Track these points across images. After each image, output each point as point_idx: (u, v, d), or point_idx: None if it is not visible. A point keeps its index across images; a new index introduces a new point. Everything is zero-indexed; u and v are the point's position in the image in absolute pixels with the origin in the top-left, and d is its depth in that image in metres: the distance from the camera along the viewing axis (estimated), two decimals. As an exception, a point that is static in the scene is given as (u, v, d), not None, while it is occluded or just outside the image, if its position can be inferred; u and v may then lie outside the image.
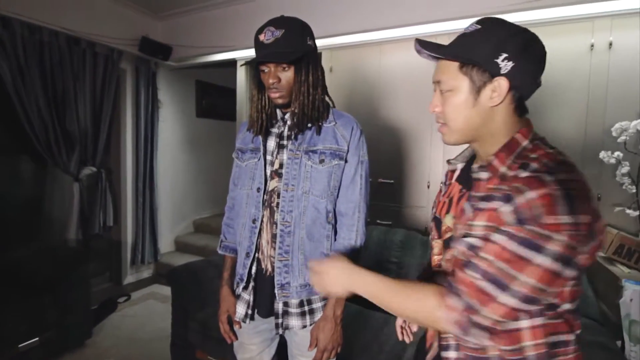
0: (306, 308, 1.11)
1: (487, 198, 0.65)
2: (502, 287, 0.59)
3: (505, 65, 0.66)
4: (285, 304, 1.10)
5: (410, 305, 0.68)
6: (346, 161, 1.10)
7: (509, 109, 0.71)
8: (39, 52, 2.56)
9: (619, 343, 1.57)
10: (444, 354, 0.74)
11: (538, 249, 0.57)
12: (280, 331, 1.11)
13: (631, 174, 1.85)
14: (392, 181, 2.58)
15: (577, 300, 0.67)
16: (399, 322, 1.02)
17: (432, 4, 2.26)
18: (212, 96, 4.31)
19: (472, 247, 0.64)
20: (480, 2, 2.10)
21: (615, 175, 1.89)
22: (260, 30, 1.01)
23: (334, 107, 1.16)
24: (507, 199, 0.61)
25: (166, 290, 3.25)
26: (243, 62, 3.05)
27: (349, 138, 1.10)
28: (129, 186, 3.42)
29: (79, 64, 2.81)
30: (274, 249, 1.09)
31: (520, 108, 0.72)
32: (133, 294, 3.19)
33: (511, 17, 2.07)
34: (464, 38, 0.71)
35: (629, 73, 1.93)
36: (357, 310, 1.90)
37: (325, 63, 2.73)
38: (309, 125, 1.08)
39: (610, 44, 1.97)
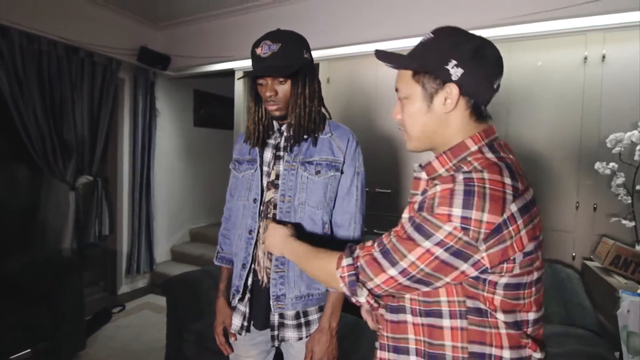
0: (302, 320, 1.10)
1: (424, 191, 0.70)
2: (392, 261, 0.64)
3: (455, 72, 0.67)
4: (281, 316, 1.09)
5: (317, 264, 0.79)
6: (342, 172, 1.10)
7: (464, 115, 0.71)
8: (37, 61, 2.57)
9: (616, 354, 1.56)
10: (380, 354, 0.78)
11: (426, 234, 0.61)
12: (276, 343, 1.10)
13: (626, 185, 1.86)
14: (389, 191, 2.58)
15: (517, 314, 0.65)
16: (363, 311, 0.94)
17: (427, 18, 2.29)
18: (209, 105, 4.32)
19: (388, 232, 0.70)
20: (474, 16, 2.13)
21: (610, 186, 1.91)
22: (257, 44, 1.02)
23: (330, 118, 1.17)
24: (424, 192, 0.66)
25: (161, 301, 3.21)
26: (241, 74, 3.08)
27: (345, 149, 1.10)
28: (125, 195, 3.40)
29: (77, 73, 2.82)
30: (270, 260, 1.09)
31: (476, 113, 0.71)
32: (128, 304, 3.16)
33: (505, 31, 2.12)
34: (419, 47, 0.73)
35: (623, 85, 1.96)
36: (354, 321, 1.88)
37: (322, 74, 2.76)
38: (305, 137, 1.09)
39: (604, 57, 2.00)
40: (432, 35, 0.72)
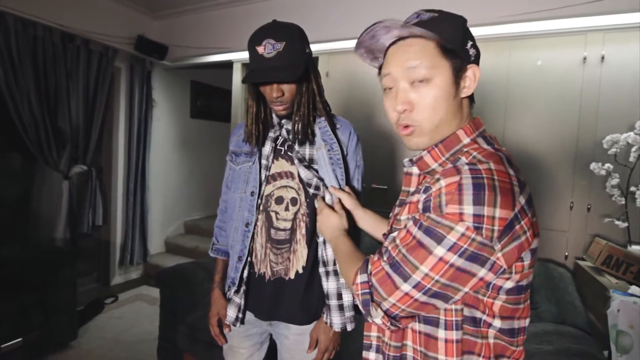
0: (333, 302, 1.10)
1: (414, 193, 0.66)
2: (404, 276, 0.57)
3: (473, 53, 0.63)
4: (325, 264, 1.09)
5: (345, 270, 0.74)
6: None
7: (466, 102, 0.66)
8: (32, 48, 2.53)
9: (606, 353, 1.58)
10: (365, 354, 0.76)
11: (438, 238, 0.53)
12: (282, 339, 1.12)
13: (620, 186, 1.88)
14: (385, 187, 2.58)
15: (514, 320, 0.61)
16: None
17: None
18: (207, 97, 4.29)
19: (392, 239, 0.62)
20: (475, 12, 2.12)
21: (605, 186, 1.92)
22: (257, 41, 0.96)
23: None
24: (426, 190, 0.59)
25: (154, 292, 3.20)
26: (242, 72, 3.04)
27: (346, 143, 1.10)
28: (119, 185, 3.38)
29: (73, 60, 2.78)
30: (274, 253, 1.09)
31: (472, 101, 0.68)
32: (120, 295, 3.15)
33: (506, 29, 2.12)
34: (435, 21, 0.62)
35: (620, 86, 1.97)
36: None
37: (321, 68, 2.74)
38: (310, 131, 1.08)
39: (603, 58, 2.00)
40: (435, 14, 0.63)
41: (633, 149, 1.83)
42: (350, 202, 1.01)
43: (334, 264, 1.05)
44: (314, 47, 1.12)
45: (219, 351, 1.27)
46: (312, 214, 1.07)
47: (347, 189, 1.05)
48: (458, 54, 0.61)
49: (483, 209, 0.51)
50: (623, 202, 1.88)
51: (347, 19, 2.58)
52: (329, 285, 1.06)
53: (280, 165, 1.10)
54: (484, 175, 0.53)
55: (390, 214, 0.78)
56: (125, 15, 3.15)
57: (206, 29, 3.20)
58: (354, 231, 0.98)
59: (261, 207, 1.10)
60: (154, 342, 2.12)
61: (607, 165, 1.88)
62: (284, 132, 1.09)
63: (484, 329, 0.60)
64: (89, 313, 2.71)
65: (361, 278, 0.63)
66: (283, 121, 1.10)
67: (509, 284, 0.58)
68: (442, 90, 0.61)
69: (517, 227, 0.53)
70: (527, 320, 0.64)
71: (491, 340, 0.60)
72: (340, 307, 1.06)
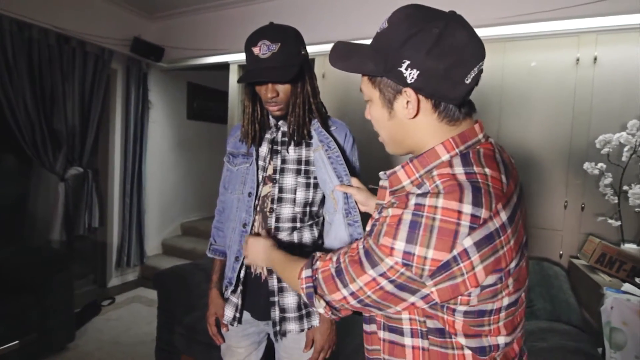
0: (304, 311, 1.11)
1: (380, 209, 0.66)
2: (344, 283, 0.62)
3: (411, 74, 0.56)
4: (282, 310, 1.09)
5: (287, 273, 0.79)
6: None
7: (432, 118, 0.61)
8: (27, 50, 2.52)
9: (600, 350, 1.60)
10: None
11: (372, 263, 0.57)
12: (279, 338, 1.12)
13: (613, 185, 1.90)
14: (381, 187, 2.59)
15: (482, 338, 0.59)
16: None
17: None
18: (203, 99, 4.29)
19: (347, 248, 0.67)
20: (470, 14, 2.13)
21: (598, 186, 1.95)
22: (253, 42, 0.97)
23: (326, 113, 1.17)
24: (380, 211, 0.61)
25: (151, 294, 3.20)
26: (238, 73, 3.05)
27: (342, 144, 1.11)
28: (116, 187, 3.37)
29: (69, 62, 2.77)
30: None
31: (447, 115, 0.61)
32: (117, 297, 3.14)
33: (500, 30, 2.14)
34: (374, 42, 0.63)
35: (613, 87, 1.99)
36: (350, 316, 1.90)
37: (318, 70, 2.76)
38: (305, 132, 1.09)
39: (595, 59, 2.03)
40: (386, 24, 0.60)
41: (625, 149, 1.86)
42: (361, 196, 0.99)
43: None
44: (311, 49, 1.13)
45: (216, 352, 1.28)
46: None
47: (354, 182, 1.03)
48: (385, 82, 0.61)
49: (415, 247, 0.52)
50: (616, 201, 1.90)
51: (343, 21, 2.59)
52: None
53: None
54: (425, 214, 0.52)
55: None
56: (121, 17, 3.15)
57: (203, 30, 3.20)
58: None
59: (258, 208, 1.11)
60: (151, 343, 2.11)
61: (600, 164, 1.91)
62: (279, 134, 1.10)
63: (456, 340, 0.59)
64: (86, 315, 2.70)
65: (305, 273, 0.70)
66: (280, 122, 1.11)
67: (462, 308, 0.56)
68: (377, 112, 0.66)
69: (455, 268, 0.52)
70: (503, 338, 0.60)
71: (468, 352, 0.59)
72: None
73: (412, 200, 0.54)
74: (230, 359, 1.22)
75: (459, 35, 0.56)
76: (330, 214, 1.07)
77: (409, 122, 0.62)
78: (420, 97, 0.59)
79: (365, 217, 1.06)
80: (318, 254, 0.73)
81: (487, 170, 0.56)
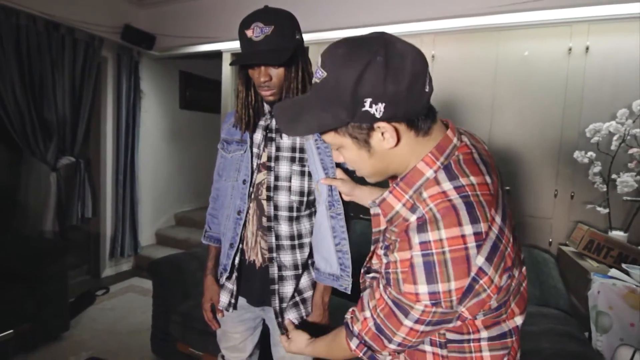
0: (297, 298, 1.12)
1: (376, 240, 0.67)
2: (388, 338, 0.63)
3: (377, 108, 0.55)
4: (281, 300, 1.10)
5: (337, 352, 0.79)
6: None
7: (410, 136, 0.61)
8: (15, 37, 2.47)
9: (586, 333, 1.65)
10: None
11: (404, 312, 0.58)
12: (283, 330, 1.13)
13: (602, 174, 1.94)
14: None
15: (502, 324, 0.63)
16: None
17: (423, 1, 2.28)
18: (196, 88, 4.24)
19: (370, 287, 0.68)
20: (463, 3, 2.14)
21: (587, 174, 1.98)
22: (246, 25, 0.96)
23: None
24: (387, 248, 0.62)
25: (146, 284, 3.20)
26: (229, 56, 3.02)
27: None
28: (108, 177, 3.35)
29: (58, 50, 2.72)
30: (265, 241, 1.10)
31: (421, 128, 0.61)
32: (112, 287, 3.14)
33: (491, 20, 2.14)
34: (317, 93, 0.60)
35: (604, 77, 2.01)
36: (341, 304, 1.93)
37: (313, 58, 2.73)
38: None
39: (587, 49, 2.05)
40: (324, 72, 0.58)
41: (614, 138, 1.88)
42: (346, 187, 0.99)
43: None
44: (305, 37, 1.12)
45: (212, 339, 1.29)
46: None
47: (339, 174, 1.03)
48: (353, 126, 0.59)
49: (437, 286, 0.54)
50: (605, 189, 1.94)
51: (338, 9, 2.57)
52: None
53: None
54: (434, 251, 0.54)
55: (372, 246, 0.79)
56: (112, 3, 3.09)
57: (195, 18, 3.15)
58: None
59: (252, 195, 1.11)
60: (146, 332, 2.13)
61: (589, 153, 1.94)
62: (274, 121, 1.09)
63: (475, 344, 0.63)
64: (80, 305, 2.70)
65: (354, 343, 0.70)
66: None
67: (483, 311, 0.60)
68: (354, 155, 0.64)
69: (477, 286, 0.54)
70: (519, 317, 0.64)
71: (486, 353, 0.63)
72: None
73: (415, 239, 0.55)
74: (226, 344, 1.24)
75: (400, 52, 0.56)
76: (318, 204, 1.08)
77: (390, 151, 0.61)
78: (394, 123, 0.59)
79: (353, 207, 1.07)
80: (348, 317, 0.73)
81: (472, 179, 0.58)
